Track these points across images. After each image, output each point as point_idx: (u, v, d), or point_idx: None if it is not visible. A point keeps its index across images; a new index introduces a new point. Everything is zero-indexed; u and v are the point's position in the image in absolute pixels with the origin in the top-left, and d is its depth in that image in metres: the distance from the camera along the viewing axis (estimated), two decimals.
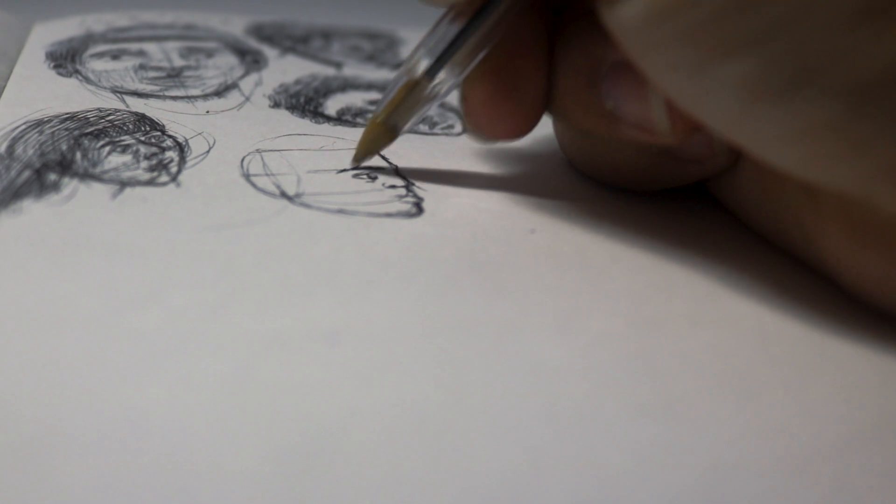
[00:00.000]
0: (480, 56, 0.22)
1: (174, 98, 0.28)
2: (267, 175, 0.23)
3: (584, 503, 0.14)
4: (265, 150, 0.24)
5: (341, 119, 0.28)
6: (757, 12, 0.16)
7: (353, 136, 0.26)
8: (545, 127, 0.25)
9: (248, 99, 0.28)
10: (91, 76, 0.29)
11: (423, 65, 0.22)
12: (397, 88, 0.23)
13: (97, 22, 0.34)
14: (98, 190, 0.21)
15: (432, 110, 0.29)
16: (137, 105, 0.27)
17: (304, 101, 0.29)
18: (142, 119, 0.25)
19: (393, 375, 0.16)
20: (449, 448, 0.15)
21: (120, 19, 0.35)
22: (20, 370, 0.16)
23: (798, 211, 0.20)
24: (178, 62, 0.31)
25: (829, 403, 0.17)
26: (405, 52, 0.35)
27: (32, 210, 0.20)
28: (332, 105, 0.29)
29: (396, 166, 0.24)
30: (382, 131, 0.23)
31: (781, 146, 0.18)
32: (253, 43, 0.34)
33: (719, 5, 0.16)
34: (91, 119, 0.25)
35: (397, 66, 0.33)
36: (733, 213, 0.23)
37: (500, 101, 0.22)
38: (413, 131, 0.27)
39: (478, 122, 0.23)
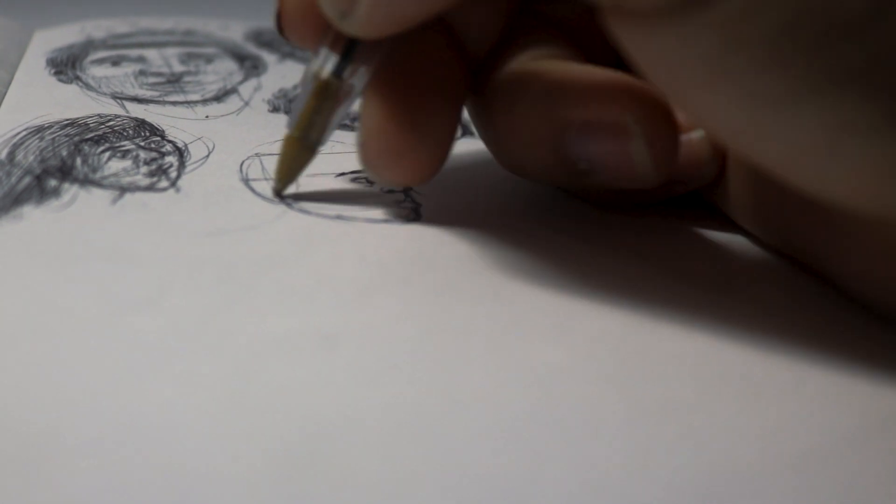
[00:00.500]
0: (387, 50, 0.20)
1: (174, 103, 0.28)
2: (266, 180, 0.23)
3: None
4: (264, 155, 0.25)
5: (340, 124, 0.28)
6: (859, 44, 0.15)
7: (351, 140, 0.26)
8: None
9: (247, 104, 0.29)
10: (91, 82, 0.29)
11: (330, 64, 0.20)
12: (307, 97, 0.21)
13: (97, 28, 0.34)
14: (98, 195, 0.21)
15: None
16: (137, 111, 0.27)
17: None
18: (141, 124, 0.26)
19: (391, 379, 0.17)
20: (446, 451, 0.15)
21: (120, 26, 0.35)
22: (20, 374, 0.16)
23: (803, 223, 0.20)
24: (178, 68, 0.31)
25: (828, 404, 0.17)
26: None
27: (33, 216, 0.20)
28: None
29: None
30: (300, 148, 0.21)
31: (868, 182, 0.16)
32: (252, 48, 0.34)
33: (822, 30, 0.15)
34: (91, 125, 0.25)
35: None
36: (733, 220, 0.23)
37: (398, 137, 0.20)
38: None
39: (372, 158, 0.20)
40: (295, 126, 0.21)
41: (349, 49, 0.20)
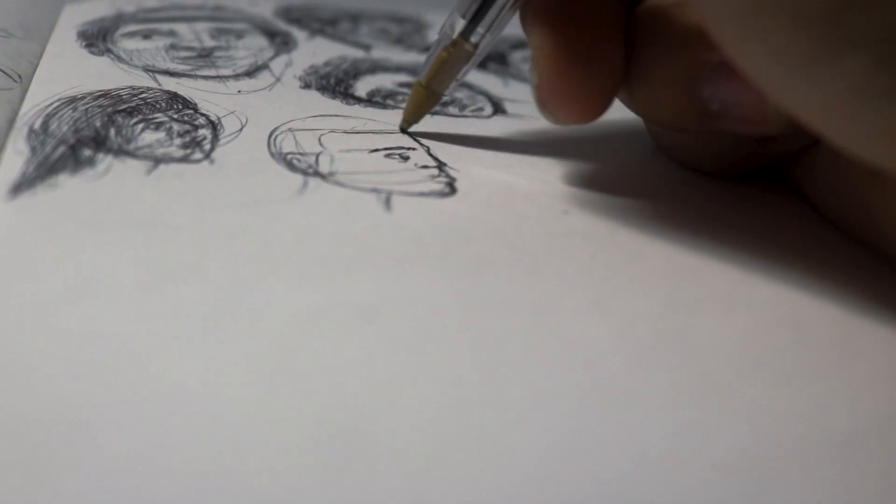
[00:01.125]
0: (514, 12, 0.22)
1: (205, 77, 0.27)
2: (300, 153, 0.23)
3: (620, 480, 0.14)
4: (297, 130, 0.24)
5: (371, 101, 0.27)
6: (873, 12, 0.15)
7: (383, 118, 0.26)
8: None
9: (278, 79, 0.28)
10: (123, 55, 0.28)
11: (459, 26, 0.23)
12: (437, 52, 0.24)
13: (128, 2, 0.34)
14: (132, 166, 0.21)
15: (463, 92, 0.29)
16: (169, 84, 0.26)
17: (335, 83, 0.29)
18: (174, 97, 0.25)
19: (430, 352, 0.16)
20: (486, 425, 0.15)
21: (150, 0, 0.35)
22: (58, 342, 0.15)
23: (865, 192, 0.20)
24: (209, 42, 0.31)
25: (872, 384, 0.17)
26: (432, 35, 0.35)
27: (68, 184, 0.20)
28: (362, 87, 0.28)
29: (429, 147, 0.24)
30: (426, 95, 0.24)
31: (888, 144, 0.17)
32: (282, 25, 0.34)
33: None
34: (124, 97, 0.25)
35: (425, 49, 0.33)
36: (803, 195, 0.23)
37: (572, 76, 0.21)
38: (444, 114, 0.27)
39: (548, 98, 0.22)
40: (424, 75, 0.24)
41: (478, 13, 0.23)
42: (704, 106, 0.21)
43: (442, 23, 0.24)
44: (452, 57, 0.23)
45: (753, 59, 0.17)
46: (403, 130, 0.25)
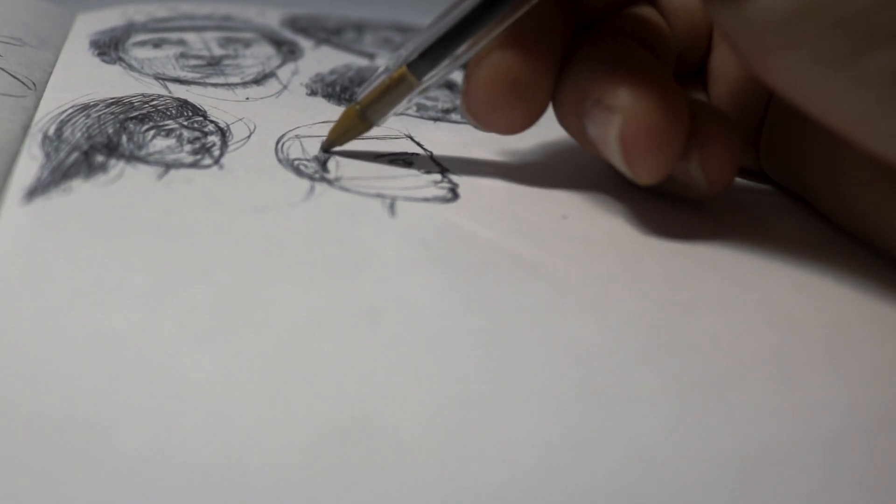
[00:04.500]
0: (474, 51, 0.21)
1: (214, 85, 0.28)
2: (307, 159, 0.23)
3: (618, 477, 0.14)
4: (304, 136, 0.24)
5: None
6: None
7: (389, 125, 0.26)
8: None
9: (285, 87, 0.28)
10: (134, 63, 0.29)
11: (410, 58, 0.22)
12: (380, 80, 0.22)
13: (138, 12, 0.34)
14: (144, 171, 0.21)
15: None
16: (179, 91, 0.27)
17: (340, 90, 0.29)
18: (184, 105, 0.25)
19: (433, 353, 0.16)
20: (488, 424, 0.15)
21: (160, 10, 0.35)
22: (70, 345, 0.15)
23: (879, 199, 0.20)
24: (218, 51, 0.31)
25: (856, 386, 0.17)
26: None
27: (82, 189, 0.20)
28: None
29: (431, 153, 0.24)
30: (357, 122, 0.23)
31: None
32: (288, 34, 0.34)
33: None
34: (135, 104, 0.25)
35: None
36: (803, 197, 0.23)
37: (502, 99, 0.21)
38: (445, 119, 0.27)
39: (475, 114, 0.22)
40: (362, 100, 0.23)
41: (433, 53, 0.21)
42: (587, 136, 0.21)
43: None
44: (396, 87, 0.22)
45: (793, 66, 0.17)
46: (324, 150, 0.23)
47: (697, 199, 0.23)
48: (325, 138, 0.23)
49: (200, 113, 0.25)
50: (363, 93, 0.23)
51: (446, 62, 0.21)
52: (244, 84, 0.28)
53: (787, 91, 0.18)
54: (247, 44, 0.32)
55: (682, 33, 0.24)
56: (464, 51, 0.21)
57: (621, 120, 0.20)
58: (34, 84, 0.25)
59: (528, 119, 0.22)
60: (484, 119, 0.22)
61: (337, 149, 0.24)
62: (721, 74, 0.25)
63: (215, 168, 0.22)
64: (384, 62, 0.23)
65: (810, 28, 0.17)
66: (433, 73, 0.22)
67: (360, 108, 0.23)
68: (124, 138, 0.23)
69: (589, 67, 0.21)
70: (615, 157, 0.20)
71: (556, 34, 0.22)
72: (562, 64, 0.22)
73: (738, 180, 0.25)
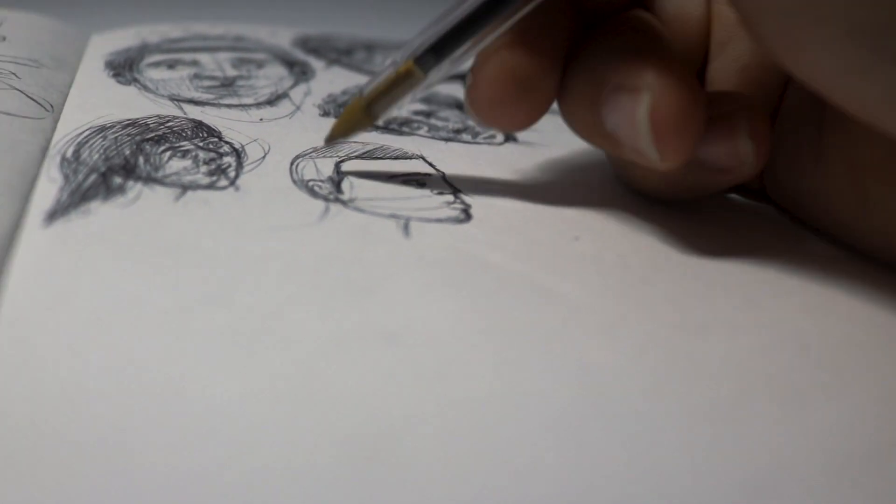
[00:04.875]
0: (475, 50, 0.21)
1: (229, 106, 0.28)
2: (321, 180, 0.23)
3: (633, 501, 0.14)
4: (318, 157, 0.25)
5: (388, 128, 0.28)
6: None
7: (400, 144, 0.26)
8: None
9: (298, 108, 0.29)
10: (149, 84, 0.29)
11: (417, 52, 0.22)
12: (386, 75, 0.22)
13: (152, 33, 0.34)
14: (161, 193, 0.21)
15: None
16: (194, 112, 0.27)
17: None
18: (199, 126, 0.26)
19: (450, 375, 0.16)
20: (504, 445, 0.15)
21: (173, 30, 0.35)
22: (90, 366, 0.16)
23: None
24: (231, 72, 0.31)
25: (873, 408, 0.17)
26: None
27: (100, 211, 0.20)
28: None
29: (444, 173, 0.25)
30: (362, 116, 0.23)
31: None
32: (300, 54, 0.35)
33: None
34: (151, 125, 0.25)
35: None
36: (807, 217, 0.23)
37: (507, 95, 0.21)
38: (458, 140, 0.27)
39: (479, 110, 0.22)
40: (367, 94, 0.22)
41: (440, 48, 0.21)
42: (602, 126, 0.21)
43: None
44: (403, 81, 0.22)
45: (818, 46, 0.17)
46: (326, 142, 0.24)
47: (704, 199, 0.23)
48: (327, 134, 0.23)
49: (215, 134, 0.25)
50: (369, 87, 0.23)
51: (453, 56, 0.21)
52: (258, 105, 0.28)
53: (810, 75, 0.18)
54: (259, 64, 0.32)
55: (681, 42, 0.24)
56: (470, 46, 0.21)
57: (651, 98, 0.20)
58: (52, 106, 0.26)
59: (531, 116, 0.22)
60: (488, 115, 0.22)
61: (350, 170, 0.24)
62: (720, 85, 0.25)
63: (231, 189, 0.22)
64: (391, 58, 0.23)
65: (839, 2, 0.16)
66: (440, 67, 0.22)
67: (366, 102, 0.22)
68: (141, 160, 0.23)
69: (602, 57, 0.21)
70: (643, 139, 0.20)
71: (560, 32, 0.22)
72: (566, 62, 0.22)
73: (744, 200, 0.25)
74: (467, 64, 0.22)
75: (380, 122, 0.23)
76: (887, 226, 0.21)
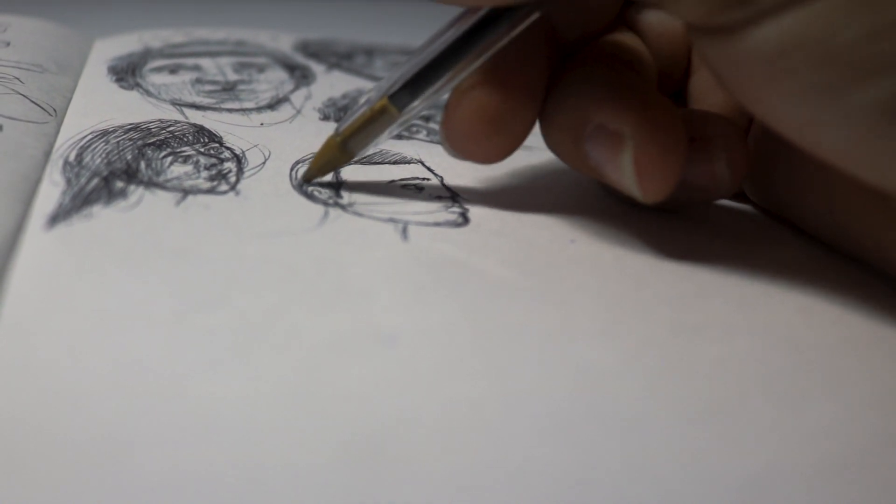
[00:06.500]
0: (450, 86, 0.21)
1: (230, 110, 0.28)
2: (320, 185, 0.23)
3: (629, 501, 0.14)
4: None
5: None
6: None
7: (398, 148, 0.26)
8: None
9: (299, 112, 0.29)
10: (151, 89, 0.29)
11: (391, 89, 0.21)
12: (360, 112, 0.22)
13: (154, 38, 0.34)
14: (162, 197, 0.21)
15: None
16: (196, 117, 0.27)
17: None
18: (200, 131, 0.26)
19: (447, 377, 0.17)
20: (500, 446, 0.15)
21: (175, 35, 0.35)
22: (92, 368, 0.16)
23: (871, 220, 0.20)
24: (232, 76, 0.31)
25: (862, 407, 0.17)
26: None
27: (102, 215, 0.20)
28: None
29: (442, 178, 0.25)
30: (339, 153, 0.23)
31: None
32: (300, 59, 0.35)
33: (866, 29, 0.16)
34: (153, 130, 0.25)
35: None
36: (787, 218, 0.24)
37: (479, 132, 0.22)
38: None
39: (453, 145, 0.22)
40: (342, 131, 0.22)
41: (414, 85, 0.21)
42: (586, 158, 0.21)
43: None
44: (377, 118, 0.22)
45: (782, 99, 0.17)
46: (306, 181, 0.23)
47: (698, 208, 0.24)
48: (305, 171, 0.23)
49: (216, 139, 0.25)
50: (344, 124, 0.22)
51: (427, 94, 0.21)
52: (258, 109, 0.28)
53: (775, 123, 0.18)
54: (260, 69, 0.32)
55: (662, 57, 0.25)
56: (444, 82, 0.21)
57: (633, 145, 0.20)
58: (55, 110, 0.26)
59: (505, 151, 0.22)
60: (462, 150, 0.22)
61: (351, 180, 0.24)
62: (701, 98, 0.25)
63: (232, 194, 0.22)
64: (365, 94, 0.22)
65: (799, 62, 0.17)
66: (414, 104, 0.21)
67: (341, 139, 0.22)
68: (143, 164, 0.23)
69: (584, 91, 0.21)
70: (627, 181, 0.20)
71: (537, 65, 0.22)
72: (545, 92, 0.22)
73: (735, 204, 0.25)
74: (444, 97, 0.22)
75: (357, 156, 0.23)
76: (855, 240, 0.21)
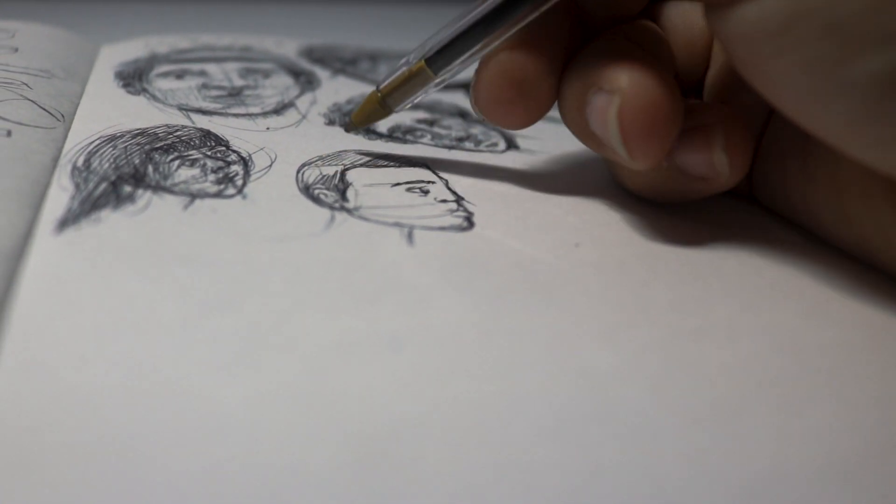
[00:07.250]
0: (486, 51, 0.22)
1: (236, 115, 0.28)
2: (326, 188, 0.23)
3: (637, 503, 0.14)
4: (324, 165, 0.25)
5: (392, 136, 0.28)
6: None
7: (404, 152, 0.26)
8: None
9: (304, 117, 0.29)
10: (158, 94, 0.29)
11: (428, 52, 0.23)
12: (399, 73, 0.24)
13: (160, 44, 0.34)
14: (170, 201, 0.22)
15: (478, 127, 0.29)
16: (202, 121, 0.27)
17: None
18: (207, 135, 0.26)
19: (454, 379, 0.17)
20: (505, 448, 0.15)
21: (181, 41, 0.35)
22: (102, 371, 0.16)
23: (881, 216, 0.20)
24: (238, 82, 0.31)
25: (866, 409, 0.17)
26: None
27: (111, 219, 0.20)
28: (383, 123, 0.29)
29: (447, 181, 0.25)
30: (379, 108, 0.25)
31: None
32: (305, 64, 0.35)
33: (868, 0, 0.16)
34: (160, 134, 0.25)
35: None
36: (795, 220, 0.24)
37: (506, 95, 0.22)
38: (460, 148, 0.28)
39: (482, 109, 0.23)
40: (383, 87, 0.24)
41: (447, 48, 0.23)
42: (588, 126, 0.22)
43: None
44: (413, 79, 0.24)
45: (784, 73, 0.18)
46: (347, 131, 0.26)
47: (697, 202, 0.24)
48: (347, 123, 0.26)
49: (223, 143, 0.25)
50: (385, 81, 0.24)
51: (461, 59, 0.23)
52: (264, 114, 0.28)
53: (777, 99, 0.19)
54: (266, 74, 0.32)
55: (682, 50, 0.25)
56: (477, 50, 0.22)
57: (619, 99, 0.20)
58: (63, 116, 0.26)
59: (531, 115, 0.23)
60: (490, 113, 0.23)
61: (358, 185, 0.24)
62: (718, 91, 0.25)
63: (239, 198, 0.22)
64: (405, 57, 0.24)
65: (801, 34, 0.17)
66: (449, 68, 0.23)
67: (381, 95, 0.24)
68: (150, 168, 0.23)
69: (590, 60, 0.22)
70: (614, 140, 0.21)
71: (561, 39, 0.23)
72: (565, 67, 0.23)
73: (742, 206, 0.25)
74: (475, 66, 0.23)
75: (396, 111, 0.25)
76: (865, 238, 0.21)
